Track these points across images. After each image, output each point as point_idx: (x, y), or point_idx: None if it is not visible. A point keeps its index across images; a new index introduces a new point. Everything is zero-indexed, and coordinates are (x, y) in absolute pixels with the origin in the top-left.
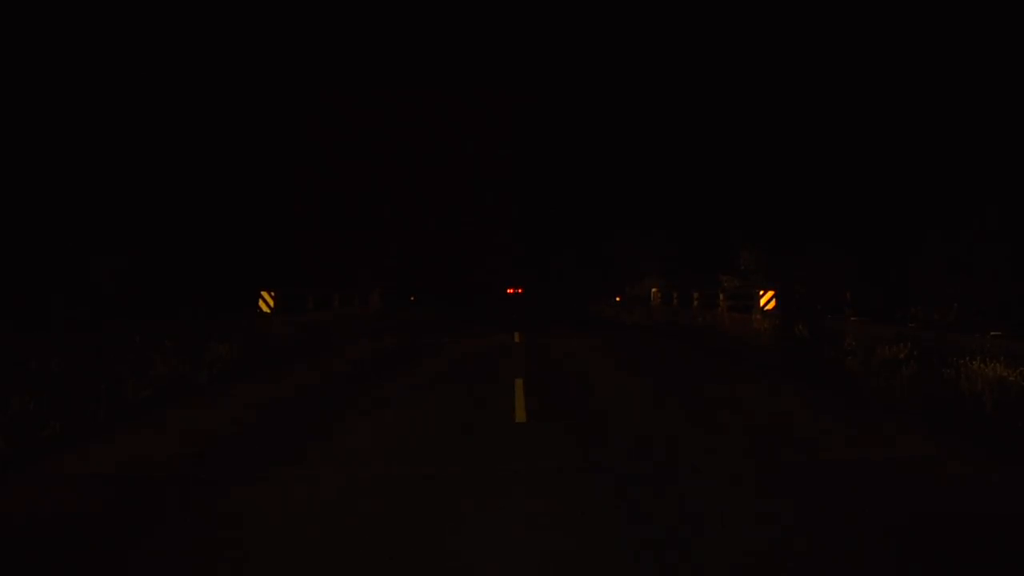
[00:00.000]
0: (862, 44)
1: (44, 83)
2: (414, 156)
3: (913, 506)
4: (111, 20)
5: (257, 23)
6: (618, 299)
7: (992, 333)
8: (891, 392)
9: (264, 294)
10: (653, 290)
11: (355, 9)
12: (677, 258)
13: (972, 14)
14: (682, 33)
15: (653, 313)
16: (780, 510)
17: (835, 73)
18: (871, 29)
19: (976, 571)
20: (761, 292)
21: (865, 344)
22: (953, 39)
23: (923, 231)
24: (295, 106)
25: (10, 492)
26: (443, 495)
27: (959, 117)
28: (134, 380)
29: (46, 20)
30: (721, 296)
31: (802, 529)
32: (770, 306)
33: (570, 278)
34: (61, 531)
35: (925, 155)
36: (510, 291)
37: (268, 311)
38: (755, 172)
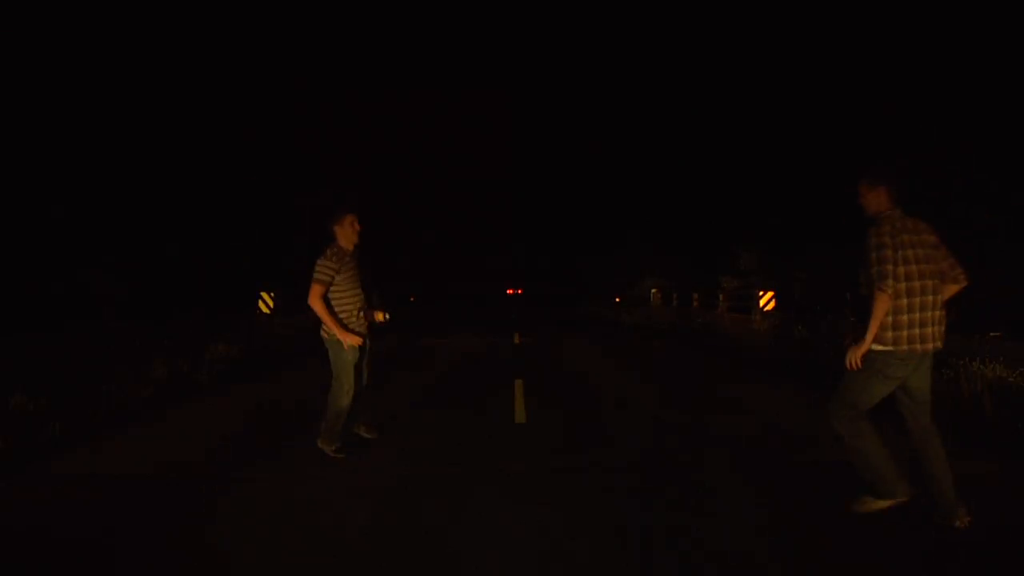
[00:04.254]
0: (862, 43)
1: (47, 85)
2: (415, 157)
3: (912, 505)
4: (113, 22)
5: (256, 24)
6: (618, 300)
7: (992, 333)
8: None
9: (264, 295)
10: (653, 291)
11: (354, 11)
12: (677, 258)
13: (971, 15)
14: (683, 35)
15: (653, 313)
16: (781, 510)
17: (835, 72)
18: (871, 27)
19: (975, 570)
20: (761, 292)
21: None
22: (955, 37)
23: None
24: (295, 107)
25: (10, 492)
26: (443, 496)
27: (960, 117)
28: (134, 381)
29: (48, 24)
30: (721, 296)
31: (802, 528)
32: (770, 307)
33: (570, 279)
34: (60, 532)
35: (926, 155)
36: (510, 292)
37: (268, 311)
38: (755, 173)
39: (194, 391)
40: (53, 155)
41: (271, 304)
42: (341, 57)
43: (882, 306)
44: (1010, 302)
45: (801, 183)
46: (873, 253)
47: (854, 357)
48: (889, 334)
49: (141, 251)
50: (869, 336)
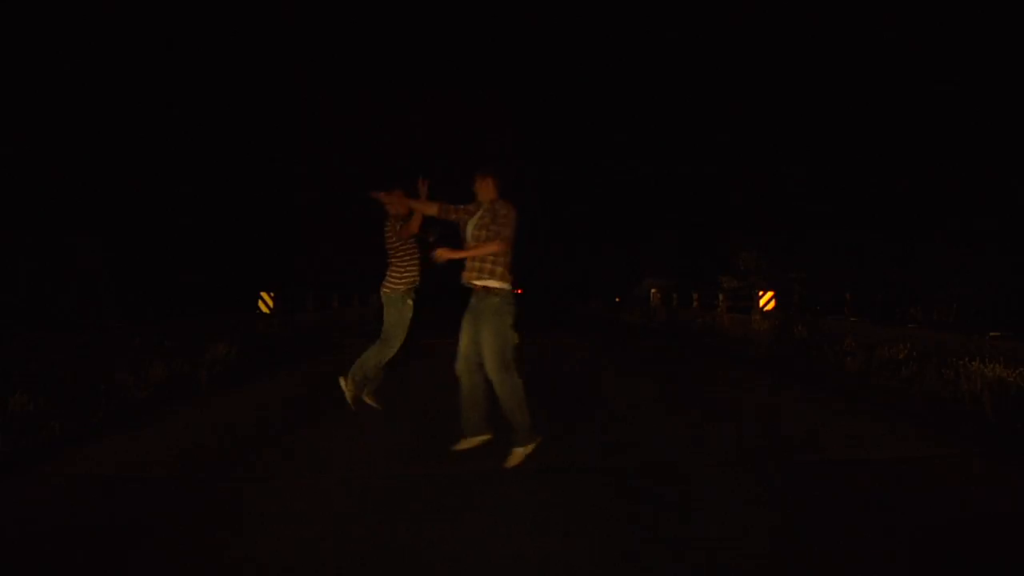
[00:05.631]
0: (863, 42)
1: (45, 81)
2: (414, 156)
3: (912, 506)
4: (113, 15)
5: (260, 21)
6: (617, 300)
7: (992, 333)
8: (890, 392)
9: (263, 295)
10: (652, 291)
11: (355, 9)
12: (677, 258)
13: (976, 13)
14: (682, 33)
15: (652, 313)
16: (781, 510)
17: (836, 74)
18: (873, 26)
19: (975, 571)
20: (761, 293)
21: (865, 344)
22: (957, 40)
23: (923, 232)
24: (296, 105)
25: (10, 492)
26: (441, 496)
27: (961, 118)
28: (133, 381)
29: (46, 15)
30: (720, 296)
31: (802, 528)
32: (769, 307)
33: (570, 279)
34: (60, 532)
35: (927, 157)
36: None
37: (267, 311)
38: (755, 173)
39: (194, 391)
40: (54, 154)
41: (271, 304)
42: (341, 57)
43: (493, 248)
44: (1010, 302)
45: (802, 184)
46: (501, 221)
47: (443, 254)
48: (511, 277)
49: (141, 251)
50: (467, 253)
